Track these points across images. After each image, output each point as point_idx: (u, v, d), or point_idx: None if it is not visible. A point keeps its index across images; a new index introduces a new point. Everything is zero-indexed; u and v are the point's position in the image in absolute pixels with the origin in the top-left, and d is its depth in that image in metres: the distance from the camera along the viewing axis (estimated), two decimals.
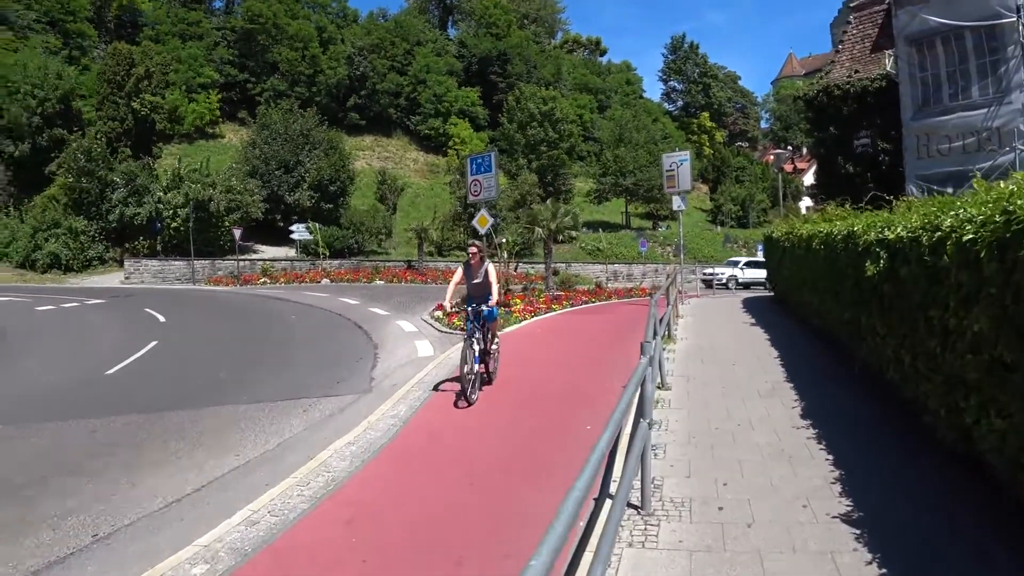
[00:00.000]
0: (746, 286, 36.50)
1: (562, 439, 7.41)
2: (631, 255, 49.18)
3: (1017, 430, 3.83)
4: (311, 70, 67.27)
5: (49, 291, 33.15)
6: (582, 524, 4.62)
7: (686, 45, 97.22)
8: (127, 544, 5.59)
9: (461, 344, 9.75)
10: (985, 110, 16.97)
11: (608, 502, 4.25)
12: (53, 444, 8.38)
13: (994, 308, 3.91)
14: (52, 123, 46.47)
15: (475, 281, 9.75)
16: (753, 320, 15.66)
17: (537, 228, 24.92)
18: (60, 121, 46.99)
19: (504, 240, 32.60)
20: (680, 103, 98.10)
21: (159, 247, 42.76)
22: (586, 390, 9.66)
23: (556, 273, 32.41)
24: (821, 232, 10.25)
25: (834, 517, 4.69)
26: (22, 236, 42.03)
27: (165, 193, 42.65)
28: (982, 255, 3.93)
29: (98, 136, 44.42)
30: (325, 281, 38.39)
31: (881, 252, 6.25)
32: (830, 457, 5.83)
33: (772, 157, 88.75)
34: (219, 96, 64.82)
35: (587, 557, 3.51)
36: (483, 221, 17.89)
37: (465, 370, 8.86)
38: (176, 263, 41.12)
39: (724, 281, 36.66)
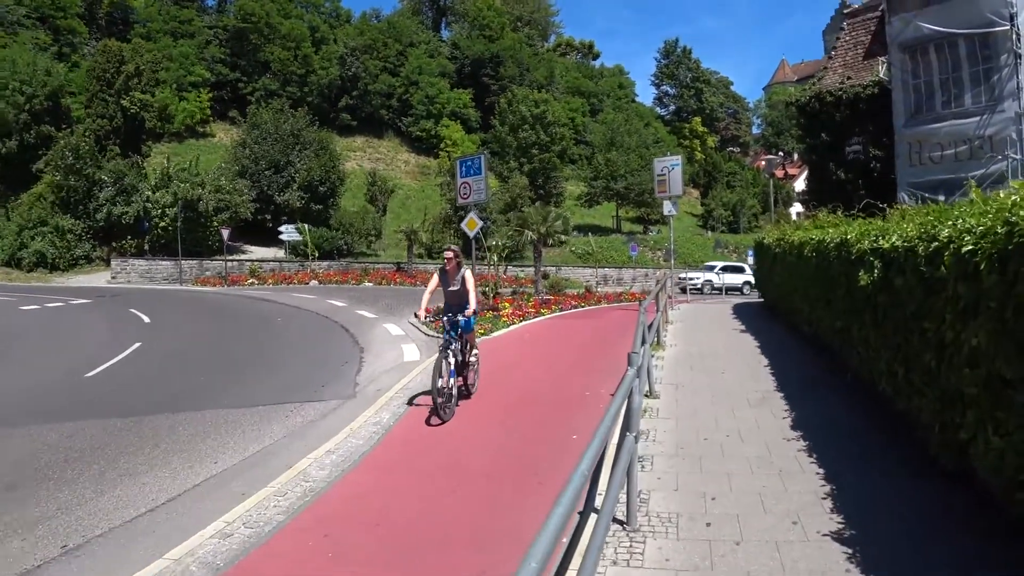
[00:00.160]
0: (722, 291, 36.38)
1: (548, 448, 7.25)
2: (622, 259, 49.10)
3: (1016, 449, 3.69)
4: (303, 70, 66.99)
5: (34, 290, 32.85)
6: (565, 541, 4.46)
7: (679, 50, 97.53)
8: (96, 556, 5.38)
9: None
10: (978, 118, 16.90)
11: (593, 517, 4.10)
12: (27, 449, 8.13)
13: (993, 322, 3.77)
14: (40, 120, 46.04)
15: (452, 288, 9.25)
16: (743, 327, 15.55)
17: (527, 231, 24.74)
18: (48, 118, 46.59)
19: (495, 243, 32.43)
20: (672, 108, 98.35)
21: (147, 247, 42.43)
22: (573, 397, 9.51)
23: (546, 277, 32.24)
24: (813, 239, 10.13)
25: (825, 535, 4.54)
26: (8, 234, 41.65)
27: (153, 192, 42.34)
28: (982, 267, 3.79)
29: (86, 134, 43.97)
30: (313, 283, 38.15)
31: (875, 261, 6.11)
32: (821, 471, 5.69)
33: (763, 163, 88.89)
34: (210, 95, 64.44)
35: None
36: (472, 224, 17.72)
37: (439, 384, 8.23)
38: (164, 263, 40.81)
39: (699, 286, 36.43)
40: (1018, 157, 16.02)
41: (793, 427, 7.00)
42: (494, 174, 60.97)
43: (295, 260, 43.97)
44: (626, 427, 4.64)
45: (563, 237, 29.86)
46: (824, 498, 5.13)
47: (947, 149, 17.59)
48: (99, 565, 5.21)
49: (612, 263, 48.14)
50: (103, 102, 47.10)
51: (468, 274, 9.25)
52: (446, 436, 7.91)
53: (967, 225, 4.16)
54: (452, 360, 8.57)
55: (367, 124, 71.71)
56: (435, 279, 9.47)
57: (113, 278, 39.40)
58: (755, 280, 25.64)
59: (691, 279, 36.58)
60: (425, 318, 9.45)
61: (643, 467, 6.05)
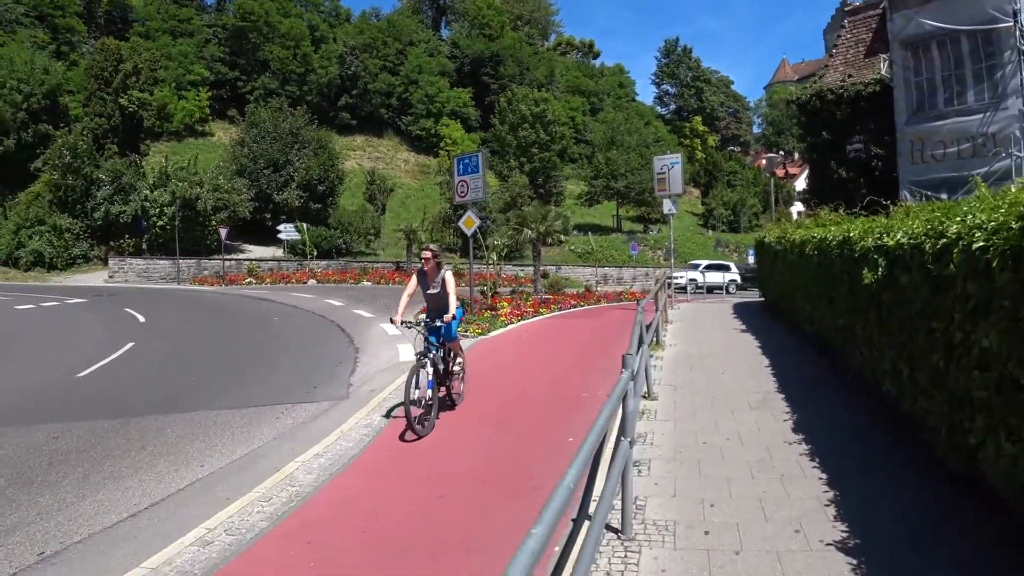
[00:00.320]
0: (708, 290, 35.87)
1: (543, 450, 7.06)
2: (622, 258, 48.90)
3: None
4: (302, 69, 66.70)
5: (31, 289, 32.69)
6: (557, 550, 4.28)
7: (679, 49, 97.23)
8: (73, 564, 5.19)
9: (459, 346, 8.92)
10: (981, 115, 16.70)
11: (586, 525, 3.91)
12: (12, 451, 7.93)
13: (1006, 322, 3.57)
14: (38, 119, 45.75)
15: (431, 291, 8.59)
16: (744, 326, 15.37)
17: (526, 230, 24.57)
18: (46, 117, 46.27)
19: (495, 242, 32.27)
20: (673, 107, 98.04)
21: (144, 246, 42.25)
22: (570, 398, 9.32)
23: (546, 276, 32.09)
24: (815, 237, 9.93)
25: (828, 544, 4.34)
26: (5, 233, 41.39)
27: (152, 191, 42.14)
28: (994, 264, 3.59)
29: (84, 133, 43.75)
30: (312, 282, 37.97)
31: (880, 259, 5.91)
32: (823, 475, 5.50)
33: (764, 161, 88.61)
34: (209, 94, 64.14)
35: None
36: (469, 223, 17.52)
37: (415, 395, 7.64)
38: (161, 262, 40.63)
39: (683, 284, 35.76)
40: (1022, 155, 15.84)
41: (795, 429, 6.81)
42: (494, 173, 60.81)
43: (293, 259, 43.78)
44: (621, 431, 4.45)
45: (562, 236, 29.67)
46: (827, 504, 4.94)
47: (950, 147, 17.39)
48: (76, 573, 5.03)
49: (612, 262, 47.95)
50: (101, 101, 46.87)
51: (449, 275, 8.53)
52: (438, 439, 7.73)
53: (977, 221, 3.96)
54: (430, 369, 7.91)
55: (367, 123, 71.47)
56: (413, 282, 8.78)
57: (111, 277, 39.23)
58: (757, 279, 25.37)
59: (675, 278, 35.96)
60: (401, 325, 8.49)
61: (640, 472, 5.86)
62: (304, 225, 44.42)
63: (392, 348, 14.57)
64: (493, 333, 15.99)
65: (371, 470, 6.73)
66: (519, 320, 18.12)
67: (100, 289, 33.15)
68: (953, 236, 4.22)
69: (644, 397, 8.36)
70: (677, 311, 19.69)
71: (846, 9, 24.95)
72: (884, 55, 20.58)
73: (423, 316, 8.81)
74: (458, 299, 8.73)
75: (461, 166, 18.01)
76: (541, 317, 19.37)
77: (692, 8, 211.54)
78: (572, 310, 21.75)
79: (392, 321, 8.40)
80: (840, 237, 7.90)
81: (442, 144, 67.12)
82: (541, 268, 26.67)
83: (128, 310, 22.38)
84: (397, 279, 37.93)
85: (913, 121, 18.46)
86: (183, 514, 6.04)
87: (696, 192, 77.79)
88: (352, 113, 69.78)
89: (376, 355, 13.75)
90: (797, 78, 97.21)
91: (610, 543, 4.57)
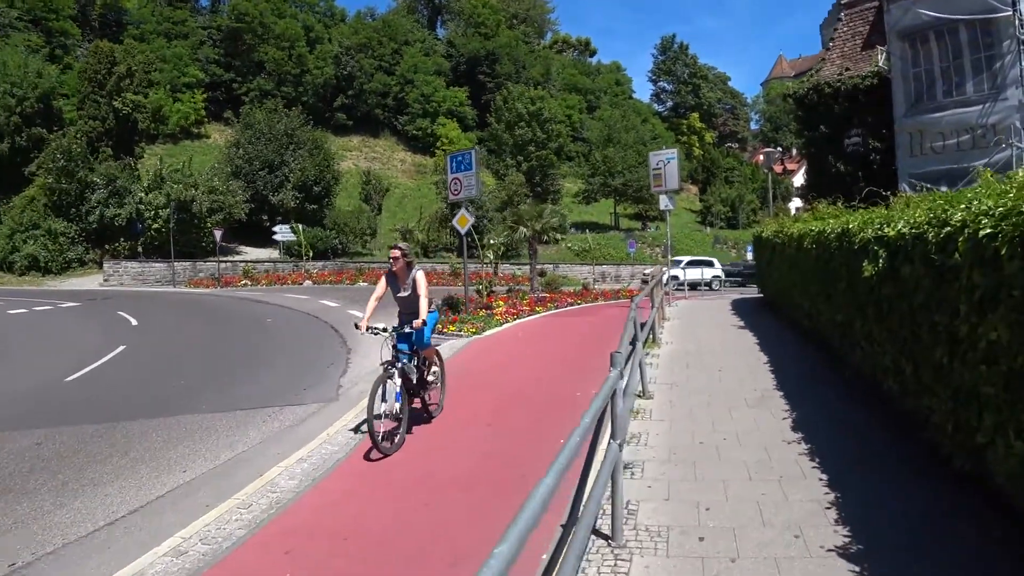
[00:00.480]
0: (691, 287, 35.29)
1: (534, 453, 6.82)
2: (620, 256, 48.69)
3: None
4: (298, 70, 66.56)
5: (25, 294, 32.52)
6: (544, 557, 4.08)
7: (676, 46, 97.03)
8: (43, 575, 5.00)
9: (433, 354, 8.25)
10: (980, 107, 16.48)
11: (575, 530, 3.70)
12: None
13: (1016, 313, 3.35)
14: (32, 122, 45.55)
15: (402, 294, 7.88)
16: (742, 323, 15.15)
17: (521, 228, 24.35)
18: (40, 120, 46.08)
19: (491, 241, 32.07)
20: (670, 104, 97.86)
21: (140, 248, 42.05)
22: (564, 398, 9.10)
23: (543, 274, 31.90)
24: (813, 231, 9.71)
25: (829, 550, 4.12)
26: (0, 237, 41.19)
27: (146, 194, 41.96)
28: (1003, 252, 3.36)
29: (78, 136, 43.55)
30: (307, 283, 37.78)
31: (880, 250, 5.68)
32: (824, 476, 5.27)
33: (761, 157, 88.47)
34: (204, 96, 64.02)
35: None
36: (463, 221, 17.32)
37: (382, 409, 6.94)
38: (157, 265, 40.45)
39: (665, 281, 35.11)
40: (1022, 145, 15.62)
41: (794, 428, 6.59)
42: (491, 172, 60.63)
43: (289, 260, 43.62)
44: (612, 433, 4.23)
45: (558, 235, 29.44)
46: (828, 507, 4.71)
47: (949, 139, 17.17)
48: None
49: (610, 260, 47.72)
50: (95, 104, 46.64)
51: (420, 276, 7.80)
52: (426, 441, 7.52)
53: (983, 207, 3.73)
54: (399, 380, 7.18)
55: (363, 123, 71.32)
56: (382, 284, 7.99)
57: (106, 281, 39.03)
58: (756, 275, 25.13)
59: (653, 275, 35.48)
60: (368, 332, 7.61)
61: (633, 474, 5.64)
62: (300, 226, 44.25)
63: (385, 348, 14.35)
64: (488, 332, 15.77)
65: (356, 475, 6.51)
66: (515, 319, 17.90)
67: (94, 293, 32.95)
68: (958, 224, 3.99)
69: (639, 396, 8.14)
70: (675, 308, 19.49)
71: (843, 2, 24.71)
72: (881, 47, 20.35)
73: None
74: (432, 301, 8.20)
75: (454, 164, 17.81)
76: (537, 316, 19.15)
77: (689, 7, 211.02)
78: (569, 308, 21.54)
79: (357, 327, 7.62)
80: (839, 229, 7.68)
81: (439, 143, 66.95)
82: (538, 266, 26.50)
83: (121, 313, 22.21)
84: None
85: (911, 113, 18.24)
86: (160, 522, 5.85)
87: (694, 189, 77.63)
88: (348, 113, 69.63)
89: (368, 355, 13.49)
90: (794, 74, 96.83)
91: (600, 550, 4.35)
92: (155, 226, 41.43)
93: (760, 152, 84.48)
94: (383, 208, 55.70)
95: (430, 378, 8.19)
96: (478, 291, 21.85)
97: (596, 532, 4.50)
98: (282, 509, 5.71)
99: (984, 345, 3.74)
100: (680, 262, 37.90)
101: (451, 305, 18.24)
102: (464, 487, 6.04)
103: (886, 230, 5.59)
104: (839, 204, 10.92)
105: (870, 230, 6.16)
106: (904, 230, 5.12)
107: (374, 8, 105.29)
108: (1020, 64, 15.88)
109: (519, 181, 52.35)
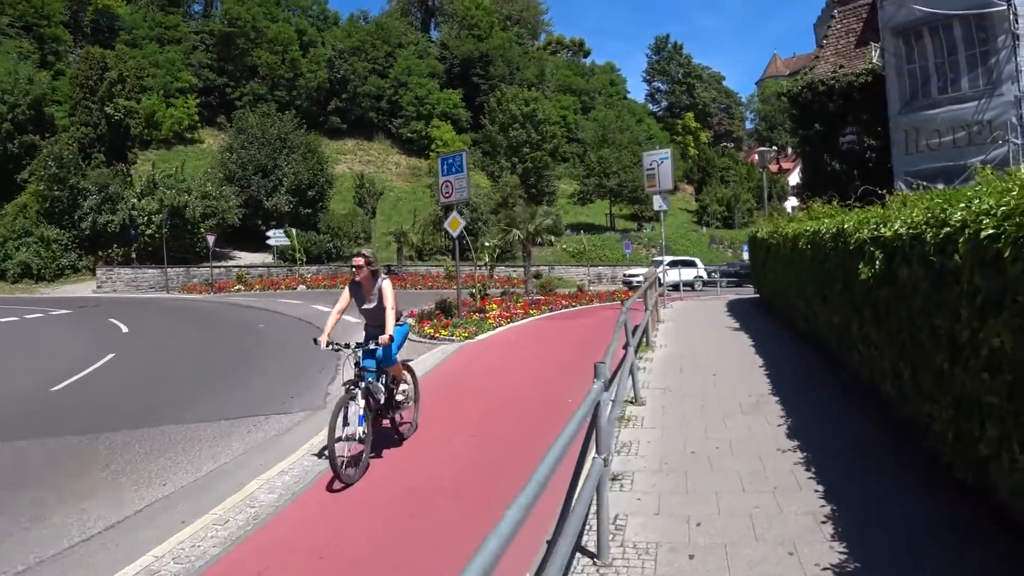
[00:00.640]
0: (672, 287, 34.84)
1: (523, 464, 6.59)
2: (616, 257, 48.51)
3: None
4: (291, 73, 66.35)
5: (16, 301, 32.23)
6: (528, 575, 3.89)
7: (670, 45, 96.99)
8: None
9: (403, 371, 7.63)
10: (976, 103, 16.35)
11: (562, 547, 3.49)
12: None
13: (1020, 319, 3.15)
14: (23, 129, 45.21)
15: (367, 306, 7.28)
16: (737, 324, 14.96)
17: (515, 230, 24.15)
18: (31, 127, 45.76)
19: (486, 243, 31.87)
20: (664, 104, 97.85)
21: (133, 255, 41.78)
22: (555, 404, 8.87)
23: (538, 276, 31.72)
24: (808, 231, 9.52)
25: (825, 569, 3.90)
26: None
27: (139, 200, 41.71)
28: (1006, 254, 3.16)
29: (70, 142, 43.27)
30: (301, 288, 37.58)
31: (876, 252, 5.48)
32: (820, 487, 5.06)
33: (756, 156, 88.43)
34: (198, 101, 63.71)
35: None
36: (455, 224, 17.12)
37: (345, 433, 6.38)
38: (150, 271, 40.20)
39: (640, 283, 34.59)
40: (1019, 142, 15.48)
41: (789, 435, 6.39)
42: (485, 174, 60.47)
43: (283, 265, 43.42)
44: (596, 448, 4.03)
45: (552, 238, 29.23)
46: (824, 521, 4.50)
47: (945, 136, 17.03)
48: None
49: (606, 261, 47.55)
50: (87, 110, 46.36)
51: (386, 286, 7.15)
52: (413, 450, 7.32)
53: (984, 206, 3.53)
54: (362, 402, 6.60)
55: (357, 127, 71.12)
56: (345, 295, 7.38)
57: (99, 287, 38.76)
58: (751, 275, 24.92)
59: (636, 276, 35.30)
60: (328, 348, 7.01)
61: (622, 486, 5.44)
62: (293, 231, 44.06)
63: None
64: (480, 337, 15.57)
65: (337, 487, 6.29)
66: (508, 322, 17.70)
67: (86, 300, 32.70)
68: (958, 224, 3.79)
69: (632, 402, 7.95)
70: (670, 310, 19.30)
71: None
72: (875, 44, 20.24)
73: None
74: (401, 313, 7.62)
75: (445, 166, 17.61)
76: (531, 319, 18.95)
77: (682, 5, 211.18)
78: (563, 311, 21.33)
79: (316, 343, 6.96)
80: (834, 230, 7.48)
81: (433, 146, 66.71)
82: (534, 268, 26.32)
83: (112, 320, 21.98)
84: None
85: (906, 110, 18.10)
86: (136, 539, 5.66)
87: (690, 189, 77.54)
88: (342, 117, 69.46)
89: None
90: (789, 72, 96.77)
91: (585, 569, 4.14)
92: (148, 232, 41.17)
93: (754, 150, 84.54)
94: (377, 211, 55.52)
95: (399, 397, 7.51)
96: (472, 294, 21.65)
97: (582, 550, 4.30)
98: (259, 525, 5.51)
99: (987, 352, 3.54)
100: (660, 263, 37.36)
101: (444, 309, 18.04)
102: (450, 499, 5.84)
103: (882, 230, 5.39)
104: (834, 203, 10.74)
105: (866, 230, 5.96)
106: (901, 231, 4.92)
107: (367, 11, 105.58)
108: (1016, 59, 15.74)
109: (514, 183, 52.21)
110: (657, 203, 21.11)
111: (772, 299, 15.57)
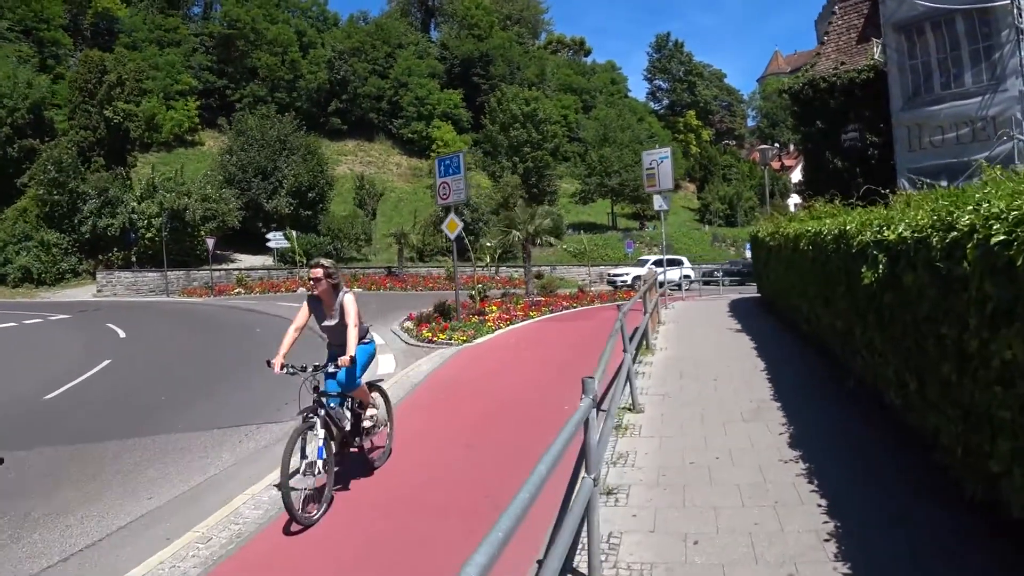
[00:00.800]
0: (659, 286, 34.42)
1: (515, 476, 6.41)
2: (618, 256, 48.29)
3: None
4: (291, 75, 66.25)
5: (16, 306, 32.15)
6: None
7: (671, 43, 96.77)
8: None
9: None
10: (979, 98, 16.11)
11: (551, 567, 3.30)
12: None
13: None
14: (23, 133, 45.17)
15: (328, 323, 6.45)
16: (739, 326, 14.73)
17: (514, 231, 23.95)
18: (31, 131, 45.70)
19: (487, 244, 31.65)
20: (666, 102, 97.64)
21: (133, 258, 41.70)
22: (552, 411, 8.67)
23: (540, 277, 31.51)
24: (809, 231, 9.31)
25: None
26: None
27: (139, 203, 41.63)
28: (1018, 262, 2.96)
29: (70, 146, 43.17)
30: (302, 290, 37.37)
31: (880, 255, 5.26)
32: (823, 501, 4.85)
33: (757, 154, 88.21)
34: (198, 103, 63.66)
35: None
36: (452, 226, 16.92)
37: (300, 465, 5.73)
38: (150, 274, 40.08)
39: (629, 282, 34.49)
40: (1023, 138, 15.23)
41: (791, 444, 6.17)
42: (486, 174, 60.28)
43: (284, 267, 43.28)
44: (585, 467, 3.83)
45: (552, 239, 28.96)
46: (827, 539, 4.29)
47: (948, 132, 16.79)
48: None
49: (608, 260, 47.32)
50: (86, 113, 46.26)
51: (348, 300, 6.31)
52: (403, 459, 7.12)
53: (994, 210, 3.33)
54: (322, 432, 5.83)
55: (358, 127, 70.98)
56: (304, 310, 6.51)
57: (99, 291, 38.67)
58: (753, 275, 24.70)
59: (620, 275, 35.06)
60: (283, 371, 6.10)
61: (617, 501, 5.24)
62: (293, 233, 43.93)
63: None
64: (479, 340, 15.37)
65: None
66: (508, 325, 17.50)
67: (86, 304, 32.56)
68: (965, 228, 3.58)
69: (629, 410, 7.75)
70: (671, 310, 19.09)
71: None
72: (877, 40, 20.01)
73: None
74: (368, 330, 6.91)
75: (442, 167, 17.40)
76: (531, 321, 18.74)
77: (682, 3, 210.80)
78: (564, 312, 21.11)
79: (270, 365, 6.05)
80: (836, 231, 7.26)
81: (434, 146, 66.59)
82: (535, 269, 26.15)
83: (110, 325, 21.82)
84: (388, 285, 37.41)
85: (909, 107, 17.87)
86: (115, 558, 5.51)
87: (692, 187, 77.32)
88: (343, 118, 69.34)
89: None
90: (790, 70, 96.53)
91: None
92: (148, 235, 41.10)
93: (756, 148, 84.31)
94: (378, 212, 55.37)
95: (367, 423, 6.65)
96: (471, 296, 21.45)
97: (573, 572, 4.10)
98: (242, 544, 5.33)
99: (998, 364, 3.34)
100: (646, 262, 37.10)
101: (442, 312, 17.85)
102: (437, 514, 5.65)
103: (886, 233, 5.17)
104: (836, 202, 10.53)
105: (869, 233, 5.74)
106: (906, 234, 4.70)
107: (367, 12, 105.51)
108: (1020, 54, 15.51)
109: (515, 183, 52.03)
110: (657, 203, 20.91)
111: (775, 300, 15.36)
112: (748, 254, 35.25)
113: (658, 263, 35.39)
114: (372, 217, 53.23)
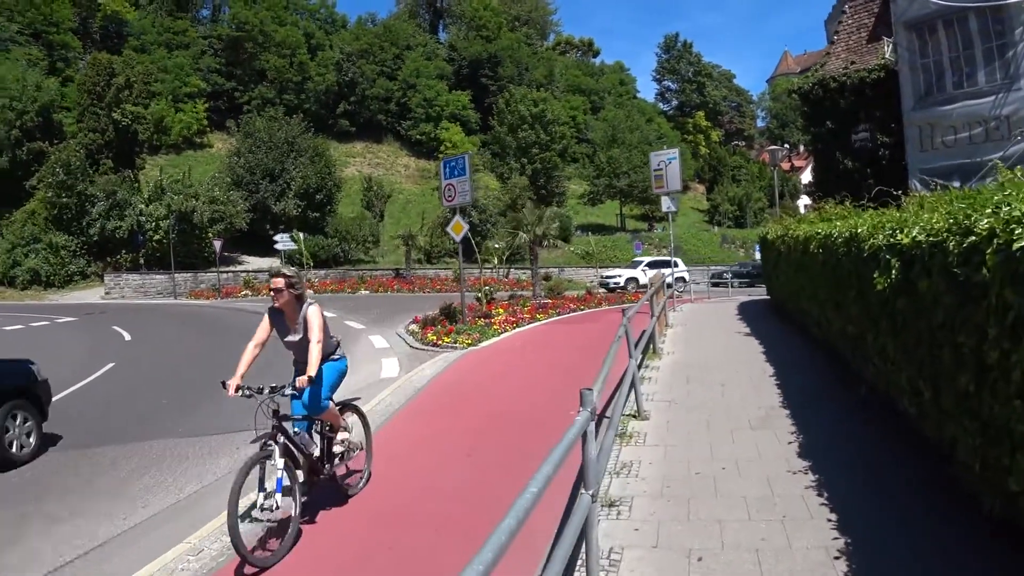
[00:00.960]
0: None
1: (516, 485, 6.24)
2: (626, 258, 48.07)
3: None
4: (299, 77, 66.38)
5: (24, 308, 32.27)
6: None
7: (679, 44, 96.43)
8: None
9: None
10: (992, 97, 15.81)
11: None
12: None
13: None
14: (32, 136, 45.38)
15: (291, 338, 5.82)
16: (748, 329, 14.52)
17: (521, 233, 23.78)
18: (40, 134, 45.90)
19: (495, 245, 31.54)
20: (675, 103, 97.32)
21: (141, 261, 41.78)
22: (556, 417, 8.46)
23: (548, 278, 31.33)
24: (819, 234, 9.10)
25: None
26: (0, 252, 40.98)
27: (147, 205, 41.73)
28: None
29: (78, 148, 43.34)
30: (309, 292, 37.32)
31: (892, 260, 5.06)
32: (832, 516, 4.65)
33: (767, 155, 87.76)
34: (206, 105, 63.87)
35: None
36: (458, 228, 16.78)
37: (261, 502, 5.16)
38: (157, 277, 40.16)
39: (623, 284, 34.39)
40: None
41: (800, 454, 5.97)
42: (495, 175, 60.17)
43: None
44: (583, 483, 3.66)
45: (558, 242, 28.78)
46: (837, 557, 4.09)
47: (961, 132, 16.49)
48: None
49: (616, 262, 47.12)
50: (94, 116, 46.46)
51: (312, 313, 5.69)
52: (397, 467, 6.96)
53: (1016, 213, 3.14)
54: (282, 462, 5.21)
55: (366, 129, 71.01)
56: (265, 324, 5.83)
57: (107, 294, 38.75)
58: (763, 277, 24.45)
59: (614, 277, 34.86)
60: (238, 393, 5.37)
61: (619, 513, 5.05)
62: (300, 235, 43.91)
63: (376, 362, 13.91)
64: (484, 343, 15.20)
65: (317, 508, 5.93)
66: (514, 328, 17.32)
67: (93, 307, 32.59)
68: (984, 232, 3.39)
69: (634, 417, 7.57)
70: (679, 313, 18.89)
71: None
72: (888, 39, 19.73)
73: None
74: (338, 343, 6.32)
75: (448, 169, 17.25)
76: (537, 323, 18.55)
77: (691, 3, 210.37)
78: (571, 315, 20.92)
79: (225, 386, 5.39)
80: (846, 234, 7.06)
81: (442, 148, 66.52)
82: (543, 270, 26.01)
83: (116, 328, 21.82)
84: (396, 287, 37.30)
85: (920, 106, 17.59)
86: (103, 571, 5.39)
87: (701, 188, 77.06)
88: (351, 120, 69.38)
89: (357, 371, 12.91)
90: (800, 70, 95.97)
91: None
92: (156, 238, 41.24)
93: (765, 148, 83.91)
94: (386, 214, 55.32)
95: (338, 448, 6.03)
96: (477, 299, 21.30)
97: None
98: (230, 558, 5.16)
99: (1019, 377, 3.14)
100: (639, 264, 36.98)
101: (448, 314, 17.69)
102: (429, 529, 5.45)
103: (899, 237, 4.97)
104: (847, 203, 10.31)
105: (881, 236, 5.53)
106: (920, 238, 4.50)
107: (375, 13, 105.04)
108: None
109: (523, 184, 51.91)
110: (665, 204, 20.70)
111: (784, 303, 15.13)
112: (757, 256, 34.98)
113: (651, 264, 35.38)
114: (380, 219, 53.18)
